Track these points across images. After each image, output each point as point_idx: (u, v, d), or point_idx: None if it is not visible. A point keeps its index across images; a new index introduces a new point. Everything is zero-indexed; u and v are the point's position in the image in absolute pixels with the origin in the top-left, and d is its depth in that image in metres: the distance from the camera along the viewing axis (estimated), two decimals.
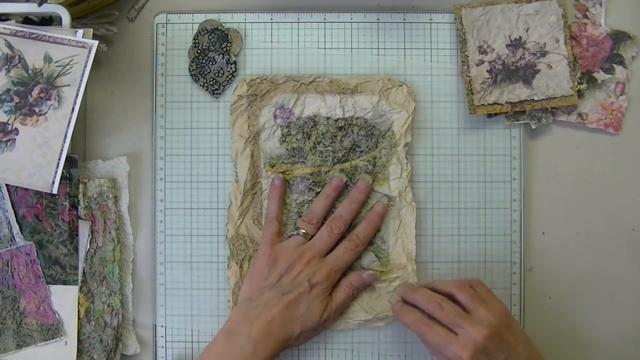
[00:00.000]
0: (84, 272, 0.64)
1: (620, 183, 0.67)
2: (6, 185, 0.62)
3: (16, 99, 0.60)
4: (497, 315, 0.54)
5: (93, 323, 0.64)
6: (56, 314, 0.63)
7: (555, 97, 0.65)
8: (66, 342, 0.63)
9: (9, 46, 0.60)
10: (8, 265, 0.63)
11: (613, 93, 0.66)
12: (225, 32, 0.65)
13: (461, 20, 0.65)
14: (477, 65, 0.65)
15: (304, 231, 0.61)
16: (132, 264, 0.66)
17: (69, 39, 0.59)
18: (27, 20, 0.62)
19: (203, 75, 0.65)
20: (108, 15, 0.66)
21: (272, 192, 0.63)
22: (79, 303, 0.63)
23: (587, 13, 0.67)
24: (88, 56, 0.60)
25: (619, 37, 0.66)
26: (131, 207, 0.66)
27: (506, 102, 0.65)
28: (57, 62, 0.60)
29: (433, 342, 0.55)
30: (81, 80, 0.60)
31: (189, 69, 0.65)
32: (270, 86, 0.64)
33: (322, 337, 0.65)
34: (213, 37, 0.65)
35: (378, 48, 0.66)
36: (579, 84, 0.66)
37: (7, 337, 0.63)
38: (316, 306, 0.58)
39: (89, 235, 0.64)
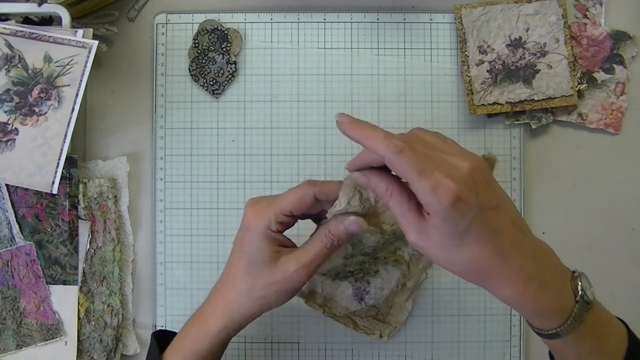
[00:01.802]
0: (84, 272, 0.64)
1: (620, 183, 0.67)
2: (6, 185, 0.62)
3: (16, 99, 0.60)
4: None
5: (93, 323, 0.64)
6: (56, 314, 0.63)
7: (555, 97, 0.65)
8: (66, 342, 0.63)
9: (9, 46, 0.60)
10: (8, 265, 0.63)
11: (613, 93, 0.66)
12: (225, 32, 0.65)
13: (461, 20, 0.65)
14: (477, 65, 0.65)
15: None
16: (132, 264, 0.66)
17: (69, 39, 0.59)
18: (27, 20, 0.62)
19: (203, 75, 0.65)
20: (108, 15, 0.66)
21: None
22: (79, 303, 0.63)
23: (587, 13, 0.67)
24: (88, 56, 0.60)
25: (619, 37, 0.66)
26: (131, 207, 0.66)
27: (506, 102, 0.65)
28: (57, 62, 0.60)
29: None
30: (81, 80, 0.60)
31: (189, 69, 0.65)
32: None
33: (322, 337, 0.65)
34: (213, 37, 0.65)
35: (378, 48, 0.66)
36: (579, 84, 0.66)
37: (7, 337, 0.63)
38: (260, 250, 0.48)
39: (89, 235, 0.64)
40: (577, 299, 0.41)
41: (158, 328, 0.65)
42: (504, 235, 0.39)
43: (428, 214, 0.39)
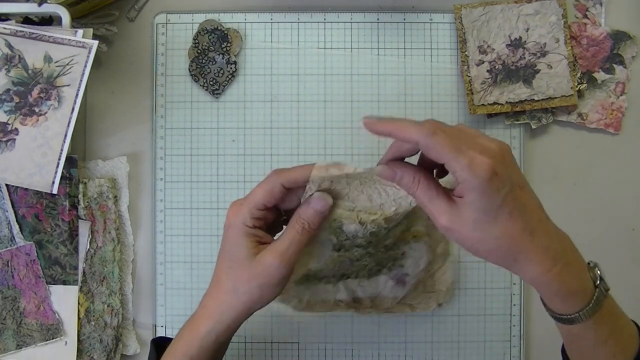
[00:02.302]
0: (84, 272, 0.64)
1: (620, 183, 0.67)
2: (6, 185, 0.62)
3: (16, 99, 0.60)
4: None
5: (93, 323, 0.64)
6: (56, 314, 0.63)
7: (555, 97, 0.65)
8: (66, 342, 0.63)
9: (9, 46, 0.60)
10: (8, 265, 0.63)
11: (613, 93, 0.66)
12: (225, 32, 0.65)
13: (461, 20, 0.65)
14: (477, 65, 0.65)
15: None
16: (132, 264, 0.66)
17: (69, 39, 0.59)
18: (27, 20, 0.62)
19: (203, 75, 0.65)
20: (108, 15, 0.66)
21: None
22: (79, 303, 0.63)
23: (587, 13, 0.67)
24: (88, 56, 0.60)
25: (619, 37, 0.66)
26: (131, 207, 0.66)
27: (506, 102, 0.65)
28: (57, 62, 0.60)
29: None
30: (81, 80, 0.60)
31: (189, 69, 0.65)
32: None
33: (322, 337, 0.65)
34: (213, 37, 0.65)
35: (378, 48, 0.66)
36: (579, 84, 0.66)
37: (7, 337, 0.63)
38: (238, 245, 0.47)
39: (89, 235, 0.64)
40: (596, 284, 0.43)
41: (158, 327, 0.65)
42: (532, 213, 0.41)
43: (459, 197, 0.41)
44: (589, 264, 0.44)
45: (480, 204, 0.39)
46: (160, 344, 0.53)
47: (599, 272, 0.44)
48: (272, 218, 0.48)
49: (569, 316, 0.43)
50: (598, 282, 0.43)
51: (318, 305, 0.58)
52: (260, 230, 0.47)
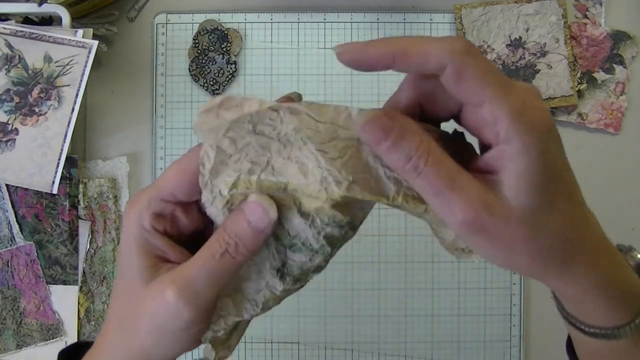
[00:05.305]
0: (84, 272, 0.64)
1: (620, 183, 0.67)
2: (6, 185, 0.62)
3: (16, 99, 0.60)
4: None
5: (93, 323, 0.64)
6: (56, 314, 0.63)
7: (555, 97, 0.65)
8: (66, 342, 0.63)
9: (9, 46, 0.60)
10: (8, 265, 0.63)
11: (613, 93, 0.66)
12: (225, 32, 0.65)
13: (461, 20, 0.65)
14: None
15: None
16: None
17: (69, 39, 0.59)
18: (27, 20, 0.62)
19: (203, 75, 0.65)
20: (108, 15, 0.66)
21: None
22: (79, 303, 0.63)
23: (587, 13, 0.67)
24: (88, 56, 0.60)
25: (619, 37, 0.66)
26: None
27: None
28: (57, 62, 0.60)
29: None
30: (81, 80, 0.60)
31: (189, 69, 0.65)
32: None
33: (322, 337, 0.65)
34: (213, 37, 0.65)
35: None
36: (579, 84, 0.66)
37: (7, 337, 0.63)
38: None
39: (89, 235, 0.64)
40: None
41: None
42: (580, 193, 0.27)
43: (489, 173, 0.25)
44: (619, 248, 0.31)
45: (535, 176, 0.24)
46: (71, 355, 0.37)
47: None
48: (194, 219, 0.30)
49: (615, 330, 0.28)
50: None
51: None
52: (167, 239, 0.29)
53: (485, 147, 0.26)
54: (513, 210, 0.25)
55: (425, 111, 0.28)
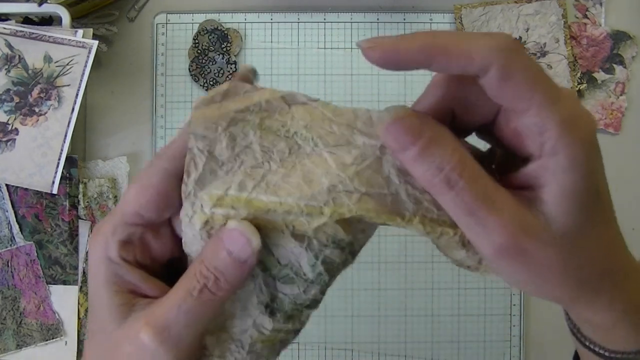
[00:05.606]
0: (84, 272, 0.64)
1: (620, 183, 0.67)
2: (6, 185, 0.62)
3: (16, 99, 0.60)
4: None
5: None
6: (56, 314, 0.63)
7: None
8: (66, 342, 0.63)
9: (9, 46, 0.60)
10: (8, 265, 0.63)
11: (613, 93, 0.66)
12: (225, 32, 0.65)
13: (461, 20, 0.65)
14: None
15: None
16: None
17: (69, 39, 0.59)
18: (27, 20, 0.62)
19: (203, 75, 0.65)
20: (108, 15, 0.66)
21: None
22: (79, 303, 0.63)
23: (587, 13, 0.67)
24: (88, 56, 0.60)
25: (619, 37, 0.66)
26: None
27: None
28: (57, 62, 0.60)
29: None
30: (81, 80, 0.60)
31: (189, 69, 0.65)
32: None
33: (322, 337, 0.65)
34: (213, 37, 0.65)
35: None
36: (579, 84, 0.66)
37: (7, 337, 0.63)
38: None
39: (89, 235, 0.64)
40: None
41: None
42: (614, 213, 0.26)
43: (528, 188, 0.23)
44: None
45: (580, 196, 0.22)
46: None
47: None
48: (175, 245, 0.27)
49: (638, 354, 0.27)
50: None
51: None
52: (139, 271, 0.26)
53: (515, 157, 0.24)
54: (552, 232, 0.22)
55: (456, 117, 0.25)
